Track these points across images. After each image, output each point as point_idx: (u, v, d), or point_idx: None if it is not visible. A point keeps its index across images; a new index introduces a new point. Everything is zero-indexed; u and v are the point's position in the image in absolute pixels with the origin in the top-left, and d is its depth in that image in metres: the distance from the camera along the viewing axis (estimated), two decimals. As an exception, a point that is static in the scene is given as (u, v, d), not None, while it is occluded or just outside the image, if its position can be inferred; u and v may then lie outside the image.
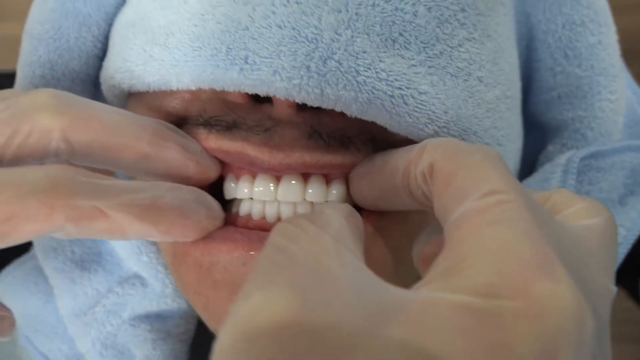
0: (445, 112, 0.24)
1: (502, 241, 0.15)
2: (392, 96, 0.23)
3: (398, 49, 0.23)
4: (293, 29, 0.22)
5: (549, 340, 0.14)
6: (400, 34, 0.23)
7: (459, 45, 0.25)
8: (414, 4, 0.24)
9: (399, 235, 0.26)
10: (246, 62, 0.22)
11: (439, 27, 0.24)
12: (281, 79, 0.22)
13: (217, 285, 0.24)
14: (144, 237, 0.22)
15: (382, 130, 0.24)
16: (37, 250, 0.32)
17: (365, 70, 0.22)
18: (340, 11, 0.23)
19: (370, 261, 0.20)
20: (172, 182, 0.25)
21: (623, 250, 0.29)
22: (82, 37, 0.29)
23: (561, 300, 0.14)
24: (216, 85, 0.23)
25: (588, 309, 0.15)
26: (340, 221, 0.19)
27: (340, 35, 0.22)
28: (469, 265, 0.15)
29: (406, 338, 0.14)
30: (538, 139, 0.34)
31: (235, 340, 0.14)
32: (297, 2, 0.22)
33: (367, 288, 0.15)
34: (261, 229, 0.25)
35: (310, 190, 0.26)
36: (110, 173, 0.28)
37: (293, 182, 0.26)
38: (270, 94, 0.22)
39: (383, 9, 0.23)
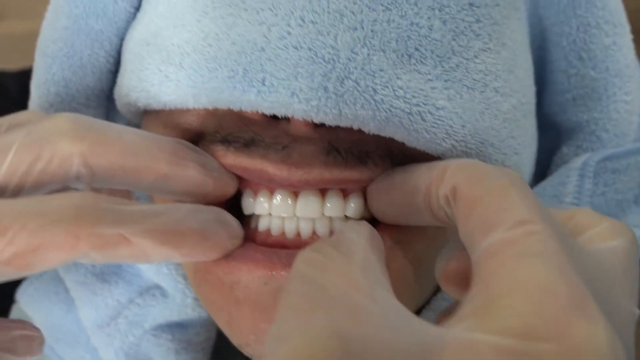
0: (463, 126, 0.24)
1: (537, 279, 0.15)
2: (409, 113, 0.23)
3: (414, 64, 0.23)
4: (309, 49, 0.22)
5: None
6: (416, 49, 0.23)
7: (475, 56, 0.25)
8: (429, 18, 0.23)
9: (417, 247, 0.26)
10: (263, 84, 0.22)
11: (454, 39, 0.24)
12: (299, 101, 0.22)
13: (239, 303, 0.24)
14: (166, 260, 0.22)
15: (400, 144, 0.24)
16: (57, 263, 0.32)
17: (382, 89, 0.22)
18: (356, 29, 0.22)
19: (391, 275, 0.20)
20: (191, 199, 0.26)
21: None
22: (95, 54, 0.29)
23: (597, 341, 0.14)
24: (233, 106, 0.23)
25: (620, 345, 0.15)
26: (364, 247, 0.19)
27: (356, 54, 0.22)
28: (505, 305, 0.15)
29: None
30: (552, 139, 0.34)
31: None
32: (312, 22, 0.22)
33: (403, 327, 0.15)
34: (281, 245, 0.26)
35: (328, 205, 0.26)
36: (129, 193, 0.28)
37: (311, 197, 0.26)
38: (289, 115, 0.22)
39: (398, 24, 0.23)
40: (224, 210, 0.24)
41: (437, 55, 0.24)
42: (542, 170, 0.34)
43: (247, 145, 0.25)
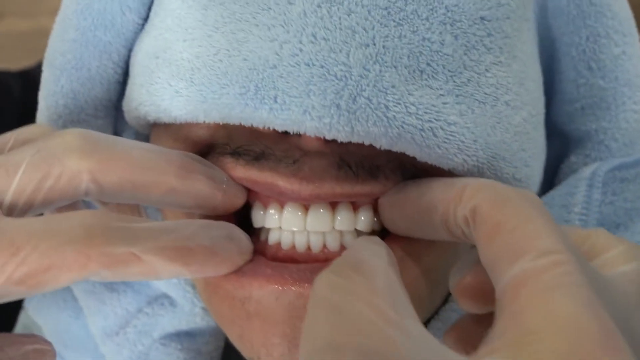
0: (475, 141, 0.24)
1: (568, 315, 0.16)
2: (421, 129, 0.23)
3: (426, 79, 0.23)
4: (322, 66, 0.22)
5: None
6: (428, 64, 0.23)
7: (486, 70, 0.25)
8: (440, 33, 0.23)
9: (428, 259, 0.26)
10: (275, 102, 0.22)
11: (466, 54, 0.24)
12: (311, 118, 0.22)
13: (250, 317, 0.24)
14: (176, 276, 0.22)
15: (411, 157, 0.24)
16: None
17: (395, 105, 0.22)
18: (368, 45, 0.22)
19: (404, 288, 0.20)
20: (200, 212, 0.26)
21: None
22: (104, 65, 0.29)
23: None
24: (245, 122, 0.23)
25: None
26: (386, 270, 0.19)
27: (368, 70, 0.22)
28: (537, 340, 0.15)
29: None
30: (559, 146, 0.34)
31: None
32: (324, 39, 0.22)
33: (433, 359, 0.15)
34: (291, 259, 0.26)
35: (339, 218, 0.26)
36: (138, 206, 0.28)
37: (321, 210, 0.26)
38: (301, 132, 0.22)
39: (410, 40, 0.23)
40: (234, 226, 0.24)
41: (449, 70, 0.24)
42: (549, 177, 0.34)
43: (258, 158, 0.25)
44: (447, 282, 0.28)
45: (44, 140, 0.23)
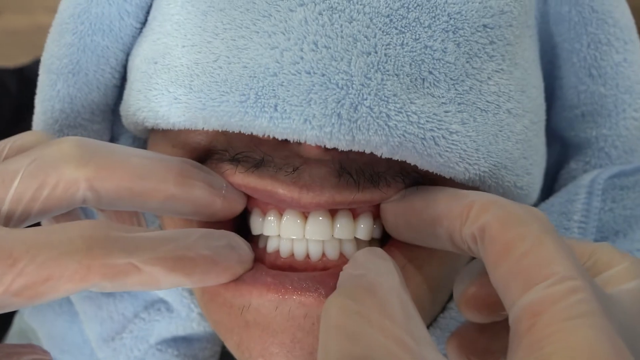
0: (477, 150, 0.24)
1: (587, 347, 0.16)
2: (423, 138, 0.23)
3: (427, 87, 0.23)
4: (323, 75, 0.22)
5: None
6: (430, 72, 0.23)
7: (488, 78, 0.24)
8: (443, 41, 0.23)
9: (431, 266, 0.26)
10: (276, 110, 0.22)
11: (468, 62, 0.24)
12: (312, 127, 0.22)
13: (249, 326, 0.24)
14: (177, 286, 0.22)
15: (412, 165, 0.24)
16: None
17: (396, 114, 0.22)
18: (369, 54, 0.22)
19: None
20: (199, 218, 0.25)
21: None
22: (101, 70, 0.28)
23: None
24: (245, 130, 0.23)
25: None
26: (399, 293, 0.19)
27: (370, 79, 0.22)
28: None
29: None
30: (559, 153, 0.34)
31: None
32: (325, 47, 0.22)
33: None
34: (290, 268, 0.25)
35: (338, 226, 0.26)
36: (138, 213, 0.28)
37: (320, 218, 0.25)
38: (301, 141, 0.22)
39: (412, 47, 0.23)
40: (235, 234, 0.24)
41: (451, 79, 0.23)
42: (549, 183, 0.34)
43: (257, 165, 0.25)
44: (448, 290, 0.28)
45: (40, 149, 0.22)
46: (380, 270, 0.20)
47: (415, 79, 0.23)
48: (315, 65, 0.22)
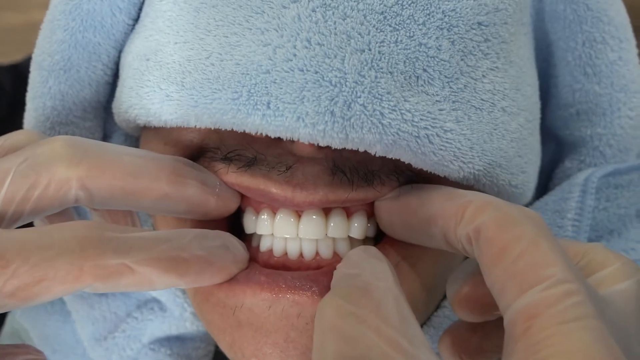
0: (471, 148, 0.24)
1: (584, 349, 0.16)
2: (417, 136, 0.22)
3: (422, 85, 0.23)
4: (316, 72, 0.22)
5: None
6: (424, 70, 0.23)
7: (483, 76, 0.24)
8: (437, 38, 0.23)
9: (425, 264, 0.26)
10: (268, 108, 0.22)
11: (462, 59, 0.24)
12: (305, 125, 0.21)
13: (242, 326, 0.24)
14: (171, 287, 0.22)
15: (406, 164, 0.24)
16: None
17: (390, 112, 0.22)
18: (363, 51, 0.22)
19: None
20: (192, 217, 0.25)
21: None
22: (93, 66, 0.28)
23: None
24: (237, 128, 0.23)
25: None
26: (394, 294, 0.19)
27: (364, 77, 0.22)
28: None
29: None
30: (554, 151, 0.34)
31: None
32: (319, 44, 0.22)
33: None
34: (283, 267, 0.25)
35: (332, 225, 0.25)
36: (130, 214, 0.27)
37: (314, 217, 0.25)
38: (294, 139, 0.22)
39: (406, 45, 0.23)
40: (229, 235, 0.24)
41: (445, 76, 0.23)
42: (543, 182, 0.34)
43: (249, 164, 0.25)
44: (442, 288, 0.28)
45: (31, 148, 0.22)
46: (375, 270, 0.20)
47: (410, 77, 0.23)
48: (309, 62, 0.22)
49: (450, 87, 0.23)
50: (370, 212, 0.26)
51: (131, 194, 0.23)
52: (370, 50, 0.22)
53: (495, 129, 0.24)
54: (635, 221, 0.31)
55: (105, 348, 0.31)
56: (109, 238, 0.20)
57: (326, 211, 0.26)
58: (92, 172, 0.22)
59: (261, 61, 0.22)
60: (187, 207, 0.24)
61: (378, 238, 0.27)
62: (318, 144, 0.22)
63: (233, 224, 0.28)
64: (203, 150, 0.26)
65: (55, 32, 0.27)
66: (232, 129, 0.23)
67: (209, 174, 0.25)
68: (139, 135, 0.30)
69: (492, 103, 0.24)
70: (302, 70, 0.22)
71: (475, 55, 0.24)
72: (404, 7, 0.23)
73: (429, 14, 0.23)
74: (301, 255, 0.26)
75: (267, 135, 0.23)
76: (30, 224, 0.24)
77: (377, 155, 0.23)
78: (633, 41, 0.31)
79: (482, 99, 0.24)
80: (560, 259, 0.18)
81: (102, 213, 0.27)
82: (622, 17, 0.31)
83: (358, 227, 0.26)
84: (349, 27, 0.22)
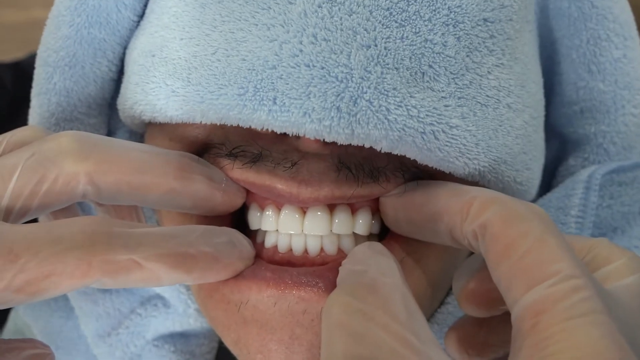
0: (476, 145, 0.24)
1: (591, 346, 0.16)
2: (423, 132, 0.22)
3: (427, 81, 0.23)
4: (322, 68, 0.22)
5: None
6: (430, 66, 0.23)
7: (489, 72, 0.24)
8: (443, 34, 0.23)
9: (430, 260, 0.26)
10: (275, 103, 0.22)
11: (468, 56, 0.24)
12: (311, 121, 0.21)
13: (246, 323, 0.24)
14: (178, 283, 0.22)
15: (412, 160, 0.24)
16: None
17: (396, 108, 0.22)
18: (369, 47, 0.22)
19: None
20: (198, 212, 0.25)
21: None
22: (98, 63, 0.28)
23: None
24: (243, 124, 0.23)
25: None
26: (401, 290, 0.19)
27: (370, 72, 0.22)
28: None
29: None
30: (558, 148, 0.34)
31: None
32: (325, 40, 0.22)
33: None
34: (288, 263, 0.25)
35: (337, 221, 0.25)
36: (135, 209, 0.27)
37: (319, 213, 0.25)
38: (300, 135, 0.22)
39: (412, 41, 0.23)
40: (236, 231, 0.24)
41: (451, 72, 0.23)
42: (547, 179, 0.34)
43: (255, 160, 0.25)
44: (447, 284, 0.28)
45: (38, 143, 0.22)
46: (381, 267, 0.20)
47: (415, 73, 0.23)
48: (315, 58, 0.22)
49: (456, 84, 0.23)
50: (375, 209, 0.26)
51: (138, 189, 0.23)
52: (376, 46, 0.22)
53: (500, 126, 0.24)
54: (639, 219, 0.31)
55: (109, 344, 0.31)
56: (118, 233, 0.20)
57: (331, 207, 0.26)
58: (100, 167, 0.22)
59: (267, 57, 0.22)
60: (193, 202, 0.24)
61: (382, 235, 0.27)
62: (324, 140, 0.22)
63: (237, 220, 0.28)
64: (208, 146, 0.26)
65: (61, 28, 0.27)
66: (238, 125, 0.23)
67: (215, 169, 0.25)
68: (143, 132, 0.30)
69: (497, 99, 0.24)
70: (309, 66, 0.22)
71: (481, 51, 0.24)
72: (410, 3, 0.23)
73: (434, 10, 0.23)
74: (306, 251, 0.26)
75: (272, 131, 0.23)
76: (35, 221, 0.24)
77: (382, 151, 0.23)
78: (637, 39, 0.31)
79: (487, 96, 0.24)
80: (567, 254, 0.18)
81: (107, 209, 0.27)
82: (626, 15, 0.31)
83: (363, 223, 0.26)
84: (355, 23, 0.22)
